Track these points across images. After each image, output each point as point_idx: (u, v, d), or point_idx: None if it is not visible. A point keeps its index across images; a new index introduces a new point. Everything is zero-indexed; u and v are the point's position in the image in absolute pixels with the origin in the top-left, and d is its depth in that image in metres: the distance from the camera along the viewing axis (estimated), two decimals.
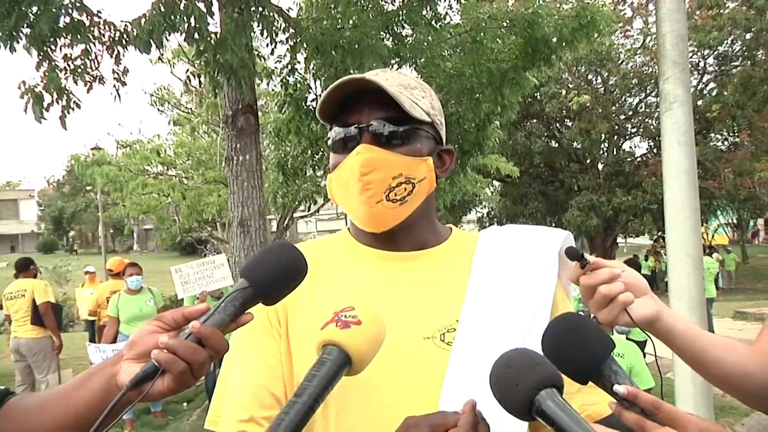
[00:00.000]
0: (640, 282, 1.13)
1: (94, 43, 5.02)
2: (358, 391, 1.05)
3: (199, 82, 6.41)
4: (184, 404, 7.72)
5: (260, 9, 5.27)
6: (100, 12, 5.09)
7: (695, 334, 1.14)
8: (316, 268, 1.16)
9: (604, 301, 1.09)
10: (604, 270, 1.10)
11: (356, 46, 6.02)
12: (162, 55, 6.93)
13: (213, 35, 5.05)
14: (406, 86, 1.18)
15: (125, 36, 4.94)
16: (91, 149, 17.00)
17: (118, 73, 5.34)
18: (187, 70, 10.37)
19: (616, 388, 0.89)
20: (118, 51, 5.18)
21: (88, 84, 5.21)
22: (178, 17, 4.76)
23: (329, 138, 1.20)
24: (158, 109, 16.74)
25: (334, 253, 1.23)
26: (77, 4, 4.87)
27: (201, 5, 4.84)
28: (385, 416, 1.03)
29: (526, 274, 1.18)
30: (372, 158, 1.12)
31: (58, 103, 5.09)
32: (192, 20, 4.78)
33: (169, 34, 4.87)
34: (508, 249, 1.22)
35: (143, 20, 4.79)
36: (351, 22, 6.21)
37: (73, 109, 5.15)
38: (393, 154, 1.13)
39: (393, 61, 7.22)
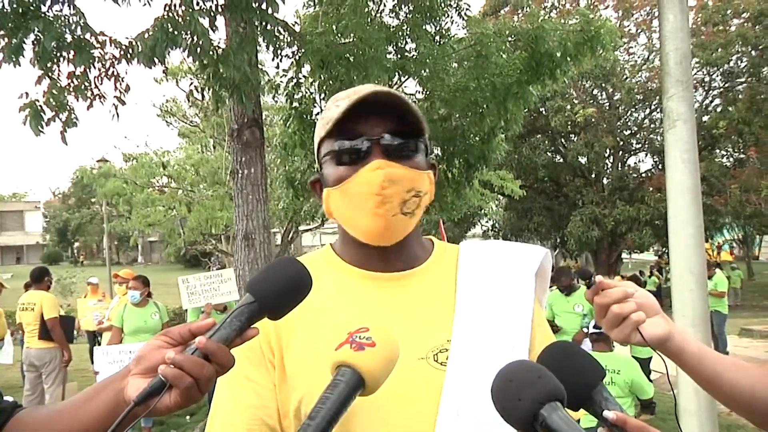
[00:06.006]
0: (652, 302, 1.15)
1: (94, 65, 5.04)
2: (359, 413, 1.05)
3: (202, 96, 6.45)
4: (187, 417, 7.69)
5: (264, 23, 5.29)
6: (104, 32, 5.13)
7: (706, 354, 1.15)
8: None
9: (617, 320, 1.12)
10: (617, 289, 1.12)
11: (361, 59, 6.06)
12: (165, 70, 6.98)
13: (216, 50, 5.06)
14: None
15: (129, 51, 4.96)
16: (97, 161, 17.04)
17: (120, 91, 5.36)
18: (191, 83, 10.43)
19: (606, 413, 0.91)
20: (117, 72, 5.21)
21: (89, 101, 5.23)
22: (180, 33, 4.79)
23: (330, 150, 1.16)
24: (166, 122, 16.88)
25: (323, 277, 1.16)
26: (81, 24, 4.90)
27: (205, 21, 4.86)
28: None
29: (508, 293, 1.20)
30: (391, 173, 1.10)
31: (59, 117, 5.09)
32: (194, 36, 4.80)
33: (172, 50, 4.88)
34: (489, 268, 1.22)
35: (146, 35, 4.82)
36: (355, 35, 6.26)
37: (72, 125, 5.15)
38: (407, 168, 1.13)
39: (397, 75, 7.26)
